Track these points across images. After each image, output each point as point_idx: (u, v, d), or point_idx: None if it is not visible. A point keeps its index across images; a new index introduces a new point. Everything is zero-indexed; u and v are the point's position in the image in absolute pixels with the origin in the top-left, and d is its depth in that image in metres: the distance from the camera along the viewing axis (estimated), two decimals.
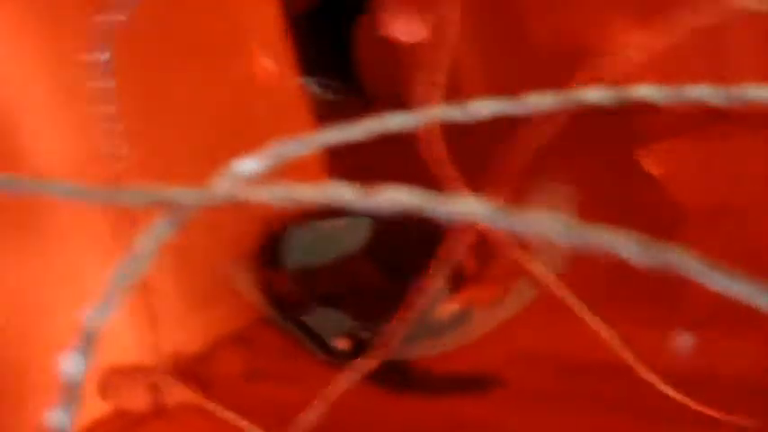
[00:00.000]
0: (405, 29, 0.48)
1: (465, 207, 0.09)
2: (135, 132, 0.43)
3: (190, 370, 0.49)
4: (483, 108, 0.14)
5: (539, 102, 0.18)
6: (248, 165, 0.12)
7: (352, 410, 0.37)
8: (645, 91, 0.17)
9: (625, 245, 0.09)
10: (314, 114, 0.55)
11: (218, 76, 0.53)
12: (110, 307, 0.12)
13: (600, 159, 0.51)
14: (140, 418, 0.46)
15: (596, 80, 0.29)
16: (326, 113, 0.56)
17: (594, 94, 0.18)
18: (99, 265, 0.43)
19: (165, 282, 0.48)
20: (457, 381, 0.46)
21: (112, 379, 0.46)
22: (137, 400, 0.46)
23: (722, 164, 0.47)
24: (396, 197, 0.09)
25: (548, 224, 0.09)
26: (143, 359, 0.47)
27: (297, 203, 0.10)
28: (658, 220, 0.46)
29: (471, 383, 0.45)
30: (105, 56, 0.23)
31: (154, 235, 0.11)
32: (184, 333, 0.50)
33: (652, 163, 0.47)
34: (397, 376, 0.42)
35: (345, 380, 0.34)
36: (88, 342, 0.12)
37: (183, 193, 0.11)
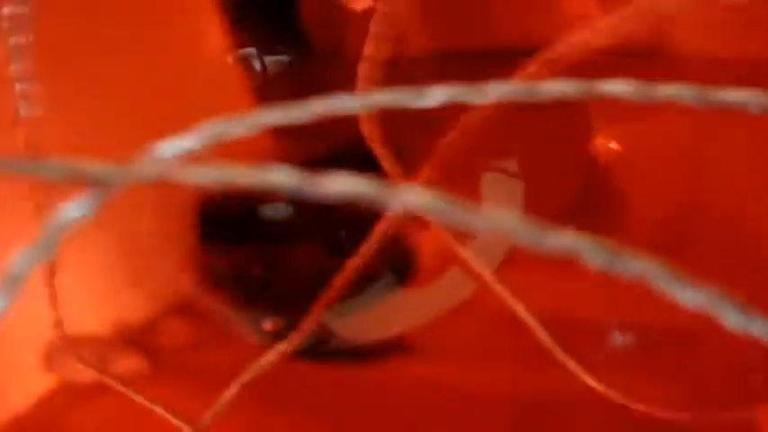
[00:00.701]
0: None
1: (418, 198, 0.09)
2: (60, 97, 0.42)
3: (135, 340, 0.49)
4: (438, 94, 0.14)
5: (497, 90, 0.18)
6: (179, 143, 0.12)
7: (271, 382, 0.37)
8: (614, 86, 0.18)
9: (588, 251, 0.09)
10: (258, 92, 0.55)
11: (152, 46, 0.52)
12: (9, 295, 0.12)
13: (549, 136, 0.51)
14: (87, 390, 0.46)
15: (553, 64, 0.29)
16: (271, 91, 0.56)
17: (558, 86, 0.18)
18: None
19: (106, 251, 0.48)
20: (359, 349, 0.47)
21: (57, 350, 0.46)
22: (83, 371, 0.46)
23: (681, 150, 0.47)
24: (343, 185, 0.09)
25: (505, 222, 0.09)
26: (87, 330, 0.47)
27: (230, 186, 0.10)
28: (604, 206, 0.47)
29: (375, 350, 0.46)
30: (23, 9, 0.23)
31: (65, 216, 0.10)
32: (128, 302, 0.50)
33: (603, 143, 0.47)
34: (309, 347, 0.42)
35: (266, 360, 0.34)
36: None
37: (107, 171, 0.10)
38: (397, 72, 0.35)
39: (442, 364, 0.46)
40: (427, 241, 0.48)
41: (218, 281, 0.51)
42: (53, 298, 0.27)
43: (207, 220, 0.53)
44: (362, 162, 0.51)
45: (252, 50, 0.54)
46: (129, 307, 0.50)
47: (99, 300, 0.47)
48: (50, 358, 0.46)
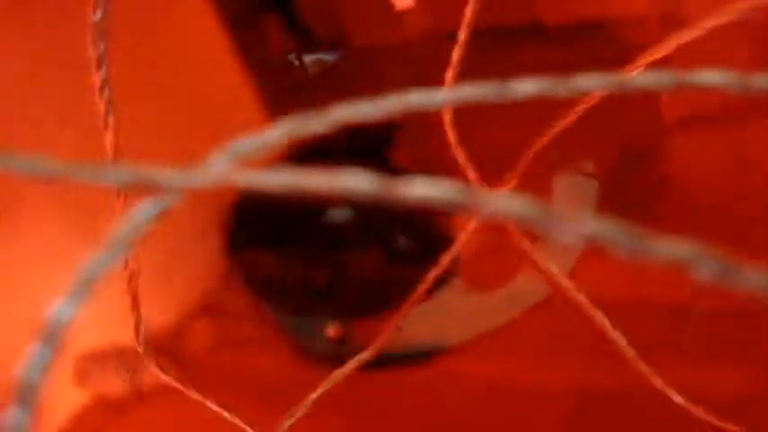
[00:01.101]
0: None
1: (509, 205, 0.08)
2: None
3: (162, 347, 0.49)
4: (526, 87, 0.13)
5: (587, 83, 0.16)
6: (258, 140, 0.11)
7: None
8: (710, 76, 0.16)
9: (701, 262, 0.08)
10: (300, 93, 0.54)
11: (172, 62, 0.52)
12: (81, 298, 0.11)
13: (623, 135, 0.50)
14: (121, 404, 0.46)
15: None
16: (313, 91, 0.55)
17: (650, 79, 0.16)
18: (79, 250, 0.43)
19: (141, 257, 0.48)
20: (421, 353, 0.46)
21: (87, 365, 0.46)
22: (114, 384, 0.46)
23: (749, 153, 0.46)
24: (425, 190, 0.08)
25: (606, 232, 0.08)
26: (115, 341, 0.46)
27: (303, 192, 0.09)
28: (672, 210, 0.46)
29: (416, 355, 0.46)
30: (98, 16, 0.22)
31: (135, 220, 0.10)
32: (152, 310, 0.50)
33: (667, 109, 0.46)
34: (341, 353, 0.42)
35: (342, 371, 0.33)
36: (54, 335, 0.11)
37: (174, 175, 0.10)
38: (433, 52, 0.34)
39: (507, 361, 0.45)
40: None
41: (268, 285, 0.50)
42: (135, 304, 0.27)
43: (243, 220, 0.52)
44: (360, 152, 0.50)
45: (294, 53, 0.53)
46: (153, 314, 0.50)
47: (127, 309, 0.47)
48: (80, 372, 0.46)
